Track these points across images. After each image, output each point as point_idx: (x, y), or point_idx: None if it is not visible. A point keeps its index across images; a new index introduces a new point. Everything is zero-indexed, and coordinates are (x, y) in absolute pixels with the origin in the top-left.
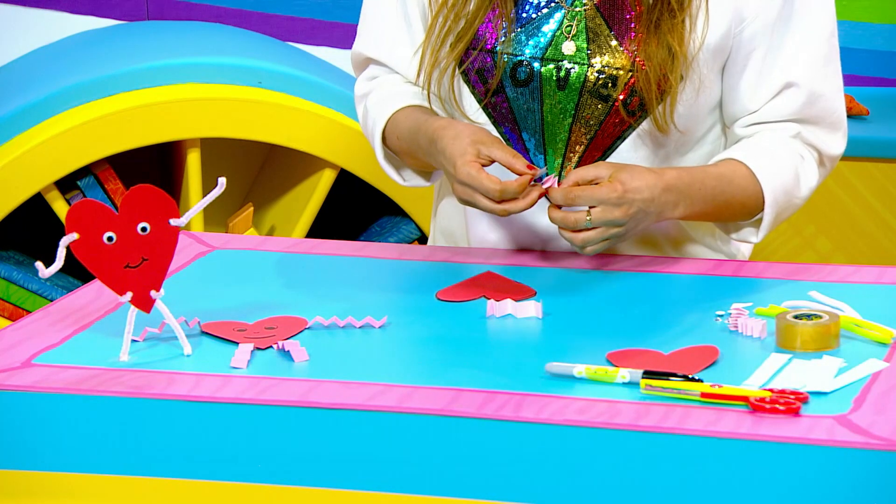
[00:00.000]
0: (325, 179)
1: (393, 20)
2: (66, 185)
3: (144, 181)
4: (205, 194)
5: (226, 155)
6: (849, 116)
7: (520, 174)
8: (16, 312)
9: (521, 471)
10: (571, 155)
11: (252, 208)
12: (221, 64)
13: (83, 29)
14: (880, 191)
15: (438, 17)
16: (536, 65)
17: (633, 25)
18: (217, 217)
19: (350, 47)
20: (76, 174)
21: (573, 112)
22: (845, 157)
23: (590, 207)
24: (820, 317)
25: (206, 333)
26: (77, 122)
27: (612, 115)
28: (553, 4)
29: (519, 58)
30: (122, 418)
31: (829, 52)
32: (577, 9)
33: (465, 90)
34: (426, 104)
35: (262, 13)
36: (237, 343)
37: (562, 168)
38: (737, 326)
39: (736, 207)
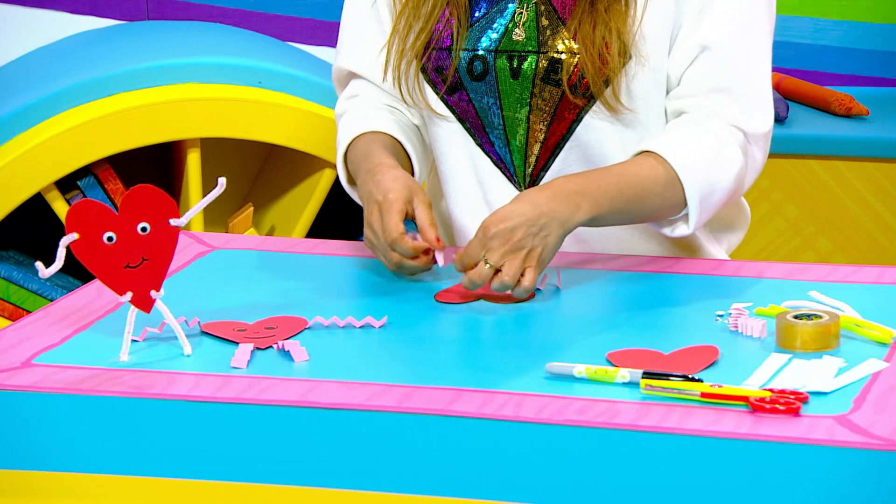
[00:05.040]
0: (325, 179)
1: (370, 34)
2: (66, 185)
3: (144, 181)
4: (205, 194)
5: (226, 155)
6: (849, 116)
7: (428, 242)
8: (16, 312)
9: (521, 471)
10: (533, 143)
11: (252, 208)
12: (221, 64)
13: (83, 29)
14: (880, 191)
15: (402, 14)
16: (490, 58)
17: (579, 9)
18: (217, 217)
19: None
20: (76, 174)
21: (528, 101)
22: (846, 156)
23: (485, 260)
24: (820, 317)
25: (206, 333)
26: (77, 122)
27: (564, 100)
28: None
29: (474, 52)
30: (122, 418)
31: (749, 24)
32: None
33: (429, 91)
34: (391, 130)
35: (262, 13)
36: (237, 343)
37: (524, 163)
38: (737, 326)
39: (654, 200)
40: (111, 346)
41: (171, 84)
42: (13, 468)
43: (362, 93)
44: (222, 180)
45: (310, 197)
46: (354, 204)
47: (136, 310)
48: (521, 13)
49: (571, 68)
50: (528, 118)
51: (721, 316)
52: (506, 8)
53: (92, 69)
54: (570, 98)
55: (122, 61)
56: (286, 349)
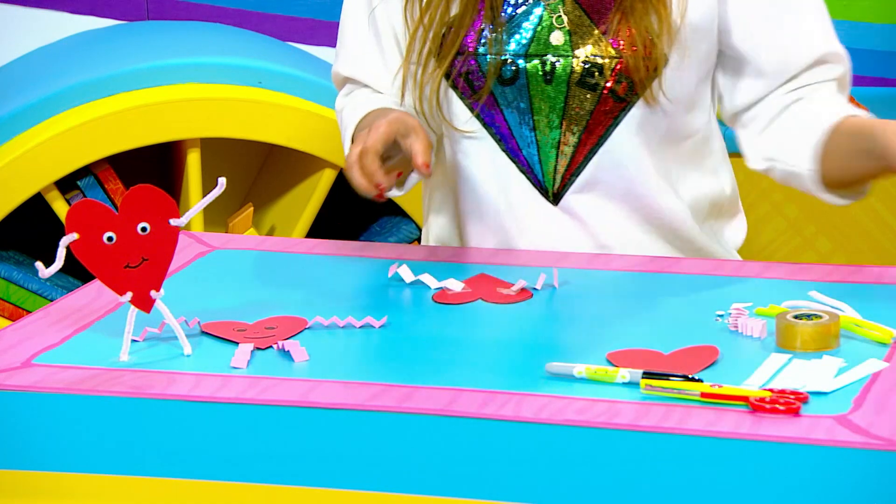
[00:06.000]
0: (325, 179)
1: (366, 40)
2: (66, 185)
3: (144, 181)
4: (205, 194)
5: (226, 155)
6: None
7: (414, 165)
8: (16, 312)
9: (521, 471)
10: (565, 147)
11: (252, 208)
12: (221, 64)
13: (83, 29)
14: (880, 191)
15: (416, 34)
16: (521, 62)
17: (611, 10)
18: (217, 217)
19: None
20: (76, 174)
21: (562, 105)
22: None
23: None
24: (820, 317)
25: (206, 333)
26: (77, 122)
27: (601, 103)
28: (531, 1)
29: (503, 57)
30: (122, 418)
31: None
32: (554, 1)
33: (454, 100)
34: (397, 107)
35: (262, 13)
36: (237, 343)
37: (555, 168)
38: (737, 326)
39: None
40: (111, 346)
41: (171, 84)
42: (13, 468)
43: (358, 90)
44: (222, 180)
45: (310, 197)
46: (354, 204)
47: (136, 310)
48: (556, 16)
49: (610, 72)
50: (561, 123)
51: (721, 316)
52: (532, 11)
53: (92, 69)
54: (607, 102)
55: (122, 61)
56: (286, 349)
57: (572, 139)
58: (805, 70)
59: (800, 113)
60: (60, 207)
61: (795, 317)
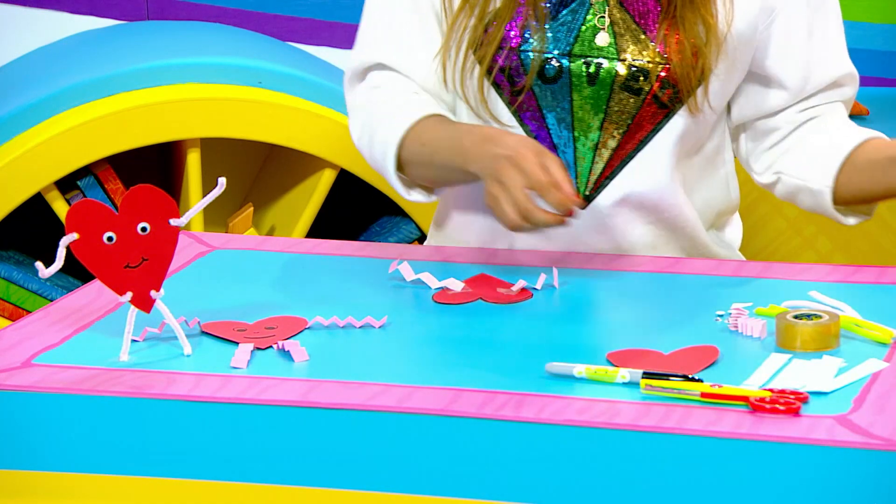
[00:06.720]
0: (325, 179)
1: (406, 23)
2: (66, 185)
3: (144, 181)
4: (205, 194)
5: (226, 155)
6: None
7: (568, 197)
8: (16, 312)
9: (521, 471)
10: (603, 150)
11: (252, 208)
12: (221, 64)
13: (83, 29)
14: None
15: (458, 18)
16: (565, 61)
17: (657, 16)
18: (217, 217)
19: (349, 47)
20: (76, 174)
21: (604, 107)
22: None
23: None
24: (820, 317)
25: (206, 333)
26: (77, 122)
27: (644, 108)
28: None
29: (546, 55)
30: (122, 418)
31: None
32: (600, 2)
33: (493, 95)
34: (448, 115)
35: (262, 13)
36: (237, 343)
37: (590, 170)
38: (737, 326)
39: None
40: (111, 346)
41: (171, 84)
42: (13, 468)
43: (387, 83)
44: (222, 180)
45: (310, 197)
46: (354, 204)
47: (136, 310)
48: (602, 17)
49: (655, 77)
50: (601, 125)
51: (721, 316)
52: (577, 10)
53: (92, 69)
54: (650, 107)
55: (122, 61)
56: (286, 349)
57: (612, 143)
58: (822, 90)
59: (816, 132)
60: (60, 207)
61: (795, 317)
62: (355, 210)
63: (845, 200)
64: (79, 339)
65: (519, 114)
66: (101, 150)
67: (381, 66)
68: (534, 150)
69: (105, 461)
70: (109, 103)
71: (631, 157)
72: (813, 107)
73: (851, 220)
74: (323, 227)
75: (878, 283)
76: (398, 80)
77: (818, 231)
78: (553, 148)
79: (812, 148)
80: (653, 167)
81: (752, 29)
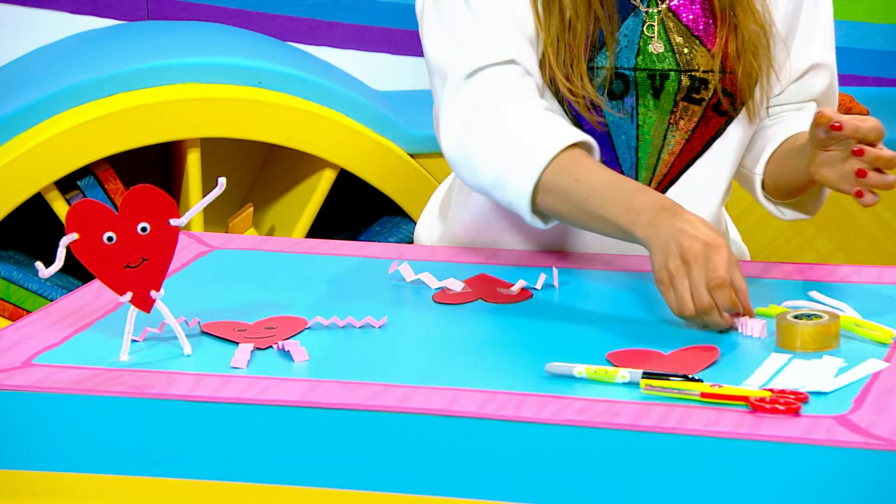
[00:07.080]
0: (325, 179)
1: (520, 17)
2: (66, 185)
3: (144, 181)
4: (205, 194)
5: (226, 155)
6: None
7: (744, 307)
8: (16, 312)
9: (521, 471)
10: (666, 157)
11: (252, 208)
12: (221, 64)
13: (83, 29)
14: (881, 191)
15: (550, 25)
16: (630, 75)
17: (713, 25)
18: (217, 217)
19: (349, 47)
20: (76, 174)
21: (668, 118)
22: None
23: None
24: (820, 317)
25: (206, 333)
26: (77, 122)
27: (706, 116)
28: (631, 11)
29: (613, 69)
30: (122, 418)
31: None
32: (654, 10)
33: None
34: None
35: (262, 13)
36: (237, 343)
37: (651, 178)
38: (737, 326)
39: None
40: (111, 346)
41: (171, 84)
42: (13, 468)
43: (496, 85)
44: (222, 180)
45: (310, 197)
46: (354, 204)
47: (136, 310)
48: (652, 26)
49: (714, 86)
50: (665, 134)
51: None
52: (634, 22)
53: (92, 69)
54: (711, 116)
55: (122, 61)
56: (286, 349)
57: (676, 149)
58: (797, 79)
59: (775, 122)
60: (60, 207)
61: (795, 317)
62: (355, 210)
63: (777, 189)
64: (79, 339)
65: (584, 126)
66: (101, 150)
67: (510, 61)
68: (726, 245)
69: (105, 461)
70: (109, 103)
71: (689, 166)
72: (780, 104)
73: (788, 214)
74: (323, 227)
75: (878, 283)
76: (528, 81)
77: (818, 231)
78: (615, 160)
79: (763, 138)
80: (707, 176)
81: (785, 30)
